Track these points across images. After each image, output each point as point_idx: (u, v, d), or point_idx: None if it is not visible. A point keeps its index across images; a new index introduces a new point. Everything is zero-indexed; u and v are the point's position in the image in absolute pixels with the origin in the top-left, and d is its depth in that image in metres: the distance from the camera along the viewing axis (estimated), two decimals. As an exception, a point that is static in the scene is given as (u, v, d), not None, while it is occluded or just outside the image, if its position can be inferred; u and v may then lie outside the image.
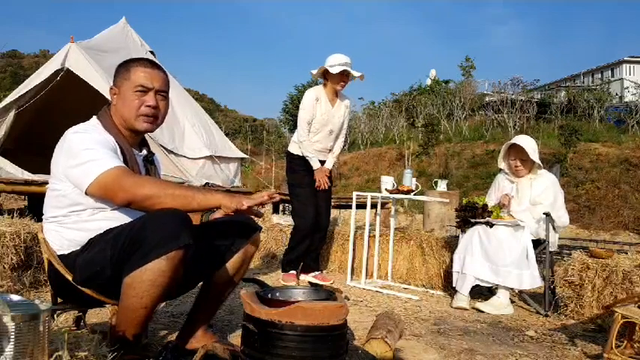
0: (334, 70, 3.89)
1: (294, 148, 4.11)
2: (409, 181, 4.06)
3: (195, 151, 7.87)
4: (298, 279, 3.46)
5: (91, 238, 1.71)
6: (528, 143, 3.62)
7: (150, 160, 1.93)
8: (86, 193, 1.66)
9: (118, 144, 1.76)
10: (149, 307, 1.63)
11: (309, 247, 4.09)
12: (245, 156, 9.92)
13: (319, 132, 4.03)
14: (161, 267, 1.56)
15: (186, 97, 9.08)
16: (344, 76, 3.95)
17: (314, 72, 4.05)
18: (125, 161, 1.74)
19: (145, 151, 1.91)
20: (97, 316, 2.44)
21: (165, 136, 7.42)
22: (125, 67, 1.83)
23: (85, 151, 1.66)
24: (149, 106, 1.79)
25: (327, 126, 4.04)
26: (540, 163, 3.64)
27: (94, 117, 1.82)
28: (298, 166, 4.05)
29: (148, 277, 1.56)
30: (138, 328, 1.65)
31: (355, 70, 3.97)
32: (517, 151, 3.65)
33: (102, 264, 1.64)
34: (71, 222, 1.72)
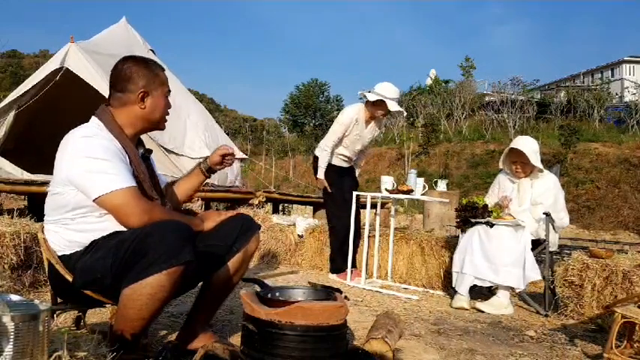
0: (370, 98, 4.06)
1: None
2: (414, 181, 4.05)
3: (195, 151, 7.86)
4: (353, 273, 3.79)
5: (95, 240, 1.70)
6: (529, 147, 3.57)
7: (147, 158, 1.94)
8: (92, 201, 1.66)
9: (122, 145, 1.76)
10: (147, 318, 1.63)
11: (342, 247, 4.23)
12: (245, 156, 9.93)
13: (348, 147, 4.22)
14: (161, 282, 1.56)
15: (188, 95, 9.07)
16: (379, 106, 4.05)
17: (364, 94, 4.22)
18: (130, 162, 1.75)
19: (141, 150, 1.91)
20: (96, 316, 2.44)
21: (165, 136, 7.41)
22: (151, 70, 1.83)
23: (98, 161, 1.64)
24: (169, 108, 1.91)
25: (357, 145, 4.24)
26: (541, 166, 3.61)
27: (94, 117, 1.78)
28: (331, 170, 4.22)
29: (147, 291, 1.57)
30: (137, 333, 1.66)
31: (393, 93, 4.05)
32: (517, 155, 3.62)
33: (102, 272, 1.64)
34: (75, 224, 1.71)
